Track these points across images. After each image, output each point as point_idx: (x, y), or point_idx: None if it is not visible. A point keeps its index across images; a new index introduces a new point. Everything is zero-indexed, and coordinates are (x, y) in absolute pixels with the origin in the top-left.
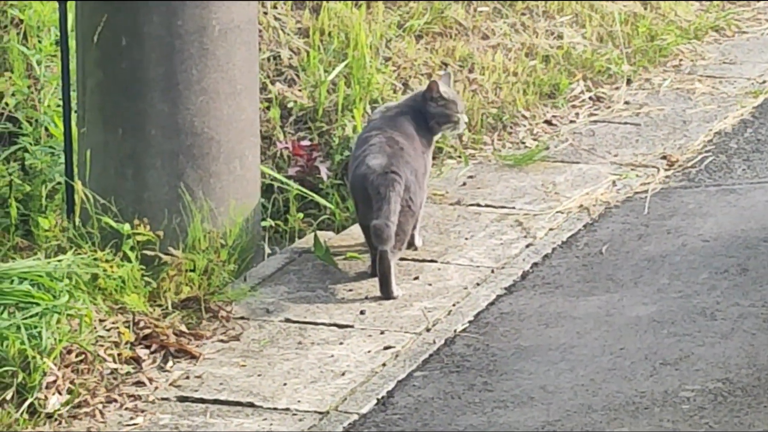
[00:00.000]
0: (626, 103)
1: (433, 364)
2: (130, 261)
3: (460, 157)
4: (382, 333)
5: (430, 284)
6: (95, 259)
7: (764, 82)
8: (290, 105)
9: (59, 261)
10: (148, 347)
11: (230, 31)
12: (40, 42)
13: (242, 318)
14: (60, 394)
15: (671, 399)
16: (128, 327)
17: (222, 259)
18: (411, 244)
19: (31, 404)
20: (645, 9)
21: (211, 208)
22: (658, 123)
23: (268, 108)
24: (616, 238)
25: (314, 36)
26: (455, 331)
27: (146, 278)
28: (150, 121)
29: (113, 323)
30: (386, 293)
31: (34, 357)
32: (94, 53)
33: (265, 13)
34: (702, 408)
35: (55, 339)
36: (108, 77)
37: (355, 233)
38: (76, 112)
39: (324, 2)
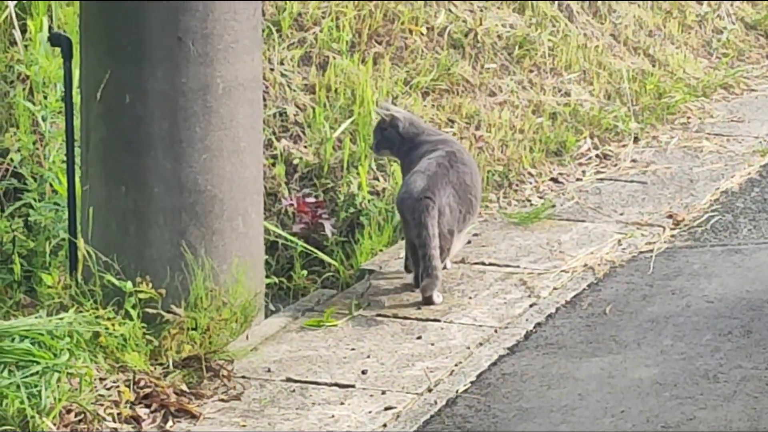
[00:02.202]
0: (633, 161)
1: (434, 426)
2: (131, 319)
3: None
4: (383, 393)
5: (432, 344)
6: (97, 317)
7: None
8: (296, 161)
9: (61, 319)
10: (148, 406)
11: (234, 89)
12: (45, 98)
13: (243, 377)
14: None
15: None
16: (128, 386)
17: (224, 317)
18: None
19: None
20: (653, 66)
21: (213, 266)
22: (665, 181)
23: (273, 164)
24: (621, 298)
25: (320, 92)
26: (457, 391)
27: (148, 336)
28: (153, 178)
29: (114, 382)
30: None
31: (33, 416)
32: (97, 109)
33: (272, 70)
34: None
35: (54, 398)
36: (111, 133)
37: (358, 290)
38: (80, 167)
39: (330, 59)
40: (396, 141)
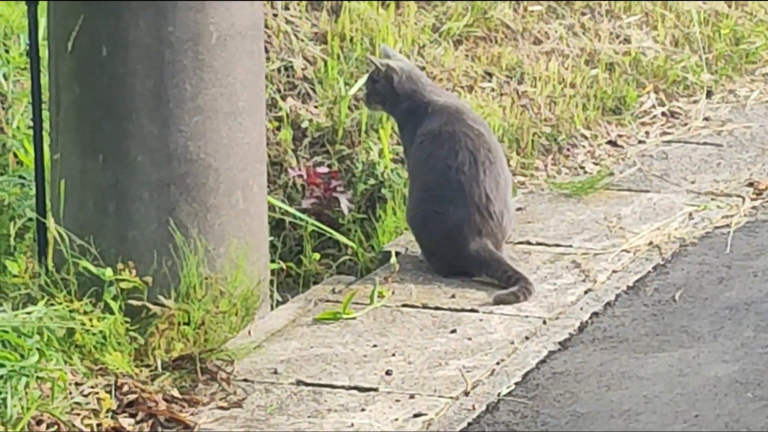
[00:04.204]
0: (706, 119)
1: None
2: (112, 312)
3: None
4: (411, 397)
5: (469, 338)
6: (71, 311)
7: None
8: (304, 124)
9: (29, 313)
10: (133, 416)
11: (230, 38)
12: (7, 52)
13: (246, 380)
14: None
15: None
16: (110, 392)
17: (221, 309)
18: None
19: None
20: (729, 7)
21: (208, 249)
22: (744, 143)
23: (278, 128)
24: (693, 282)
25: (333, 42)
26: (499, 394)
27: (131, 333)
28: (136, 146)
29: (92, 387)
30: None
31: None
32: (69, 65)
33: (275, 15)
34: None
35: (22, 407)
36: (86, 93)
37: (381, 276)
38: (49, 134)
39: (345, 2)
40: (389, 96)
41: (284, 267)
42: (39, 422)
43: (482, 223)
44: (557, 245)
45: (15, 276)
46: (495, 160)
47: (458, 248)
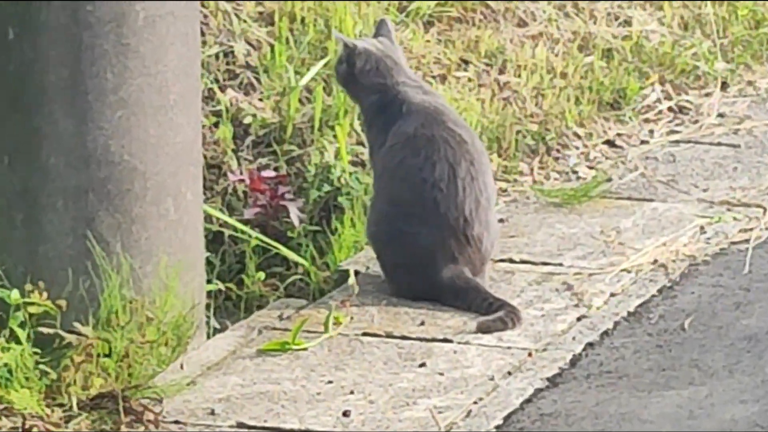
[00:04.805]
0: (720, 115)
1: None
2: (19, 342)
3: None
4: None
5: (441, 373)
6: None
7: None
8: (247, 120)
9: None
10: None
11: (160, 18)
12: None
13: (177, 422)
14: None
15: None
16: None
17: (149, 339)
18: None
19: None
20: None
21: (133, 266)
22: (765, 144)
23: (216, 125)
24: (705, 307)
25: (281, 24)
26: None
27: (42, 366)
28: (48, 146)
29: None
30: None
31: None
32: None
33: None
34: None
35: None
36: None
37: (337, 299)
38: None
39: None
40: (351, 83)
41: (223, 288)
42: None
43: (458, 249)
44: (545, 264)
45: None
46: (477, 174)
47: (429, 275)
